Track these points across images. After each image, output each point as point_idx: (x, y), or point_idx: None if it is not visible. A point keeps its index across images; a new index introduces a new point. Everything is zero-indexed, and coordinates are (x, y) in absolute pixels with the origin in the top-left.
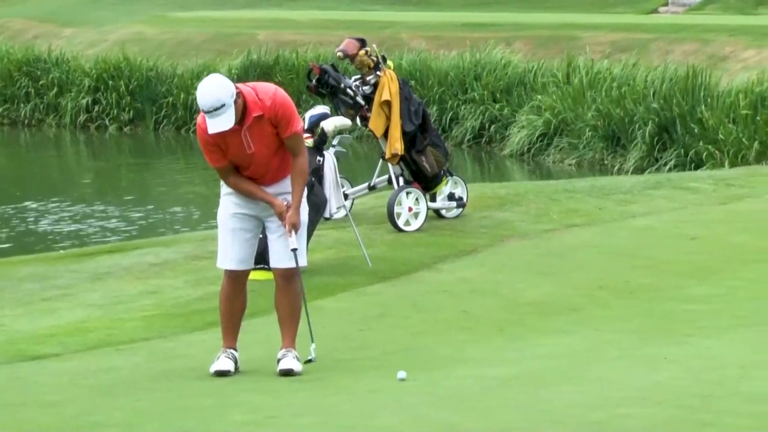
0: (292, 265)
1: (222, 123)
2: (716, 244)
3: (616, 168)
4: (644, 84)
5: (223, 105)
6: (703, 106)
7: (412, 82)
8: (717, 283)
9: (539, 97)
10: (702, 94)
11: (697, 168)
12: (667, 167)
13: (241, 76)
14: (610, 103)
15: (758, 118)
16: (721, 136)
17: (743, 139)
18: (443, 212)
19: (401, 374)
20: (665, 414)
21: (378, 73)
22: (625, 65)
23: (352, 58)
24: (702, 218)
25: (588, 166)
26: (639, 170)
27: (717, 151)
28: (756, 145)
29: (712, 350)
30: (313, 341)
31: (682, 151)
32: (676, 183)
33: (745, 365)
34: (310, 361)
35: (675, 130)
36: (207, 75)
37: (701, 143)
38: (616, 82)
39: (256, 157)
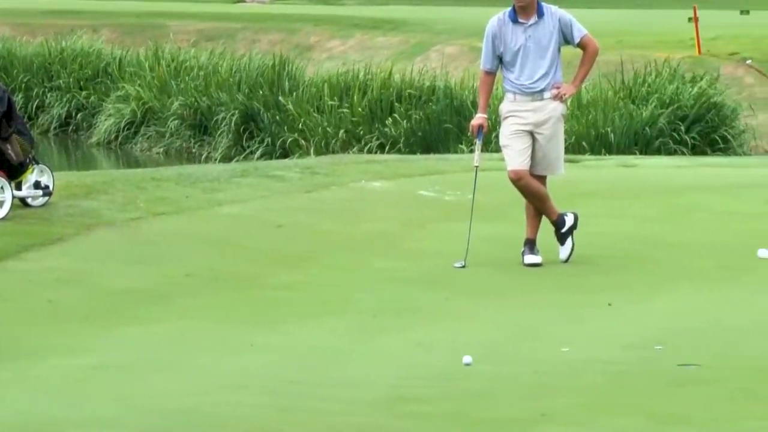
0: None
1: None
2: (302, 232)
3: (204, 156)
4: (230, 73)
5: None
6: (288, 96)
7: None
8: (303, 271)
9: (125, 85)
10: (287, 83)
11: (284, 157)
12: (255, 156)
13: None
14: (196, 92)
15: (343, 107)
16: (306, 125)
17: (328, 129)
18: (29, 201)
19: (467, 359)
20: (254, 400)
21: None
22: (212, 54)
23: None
24: (288, 206)
25: (176, 155)
26: (227, 159)
27: (303, 140)
28: (341, 134)
29: (297, 337)
30: None
31: (269, 140)
32: (262, 171)
33: (329, 351)
34: None
35: (261, 120)
36: None
37: (287, 132)
38: (203, 71)
39: None
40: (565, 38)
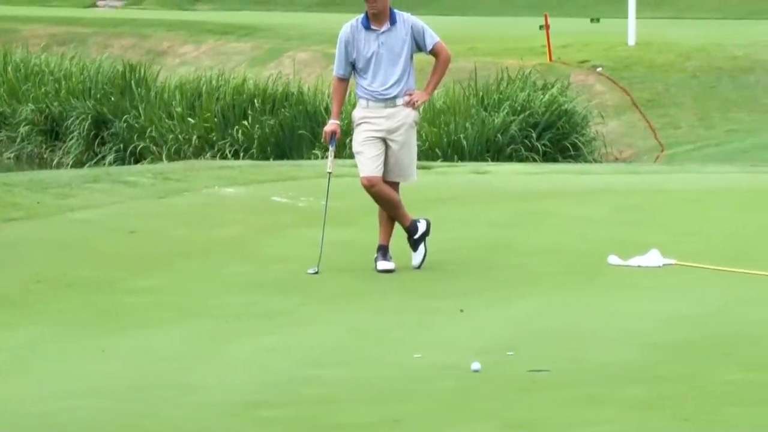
0: None
1: None
2: (155, 238)
3: (55, 162)
4: (81, 78)
5: None
6: (140, 102)
7: None
8: (155, 277)
9: None
10: (139, 89)
11: (137, 163)
12: (107, 162)
13: None
14: (47, 97)
15: (195, 113)
16: (158, 131)
17: (179, 135)
18: None
19: (475, 365)
20: (104, 405)
21: None
22: (63, 59)
23: None
24: (141, 212)
25: (27, 160)
26: (79, 164)
27: (155, 146)
28: (194, 140)
29: (149, 342)
30: None
31: (122, 145)
32: (115, 177)
33: (181, 357)
34: None
35: (113, 125)
36: None
37: (139, 138)
38: (53, 76)
39: None
40: (418, 45)
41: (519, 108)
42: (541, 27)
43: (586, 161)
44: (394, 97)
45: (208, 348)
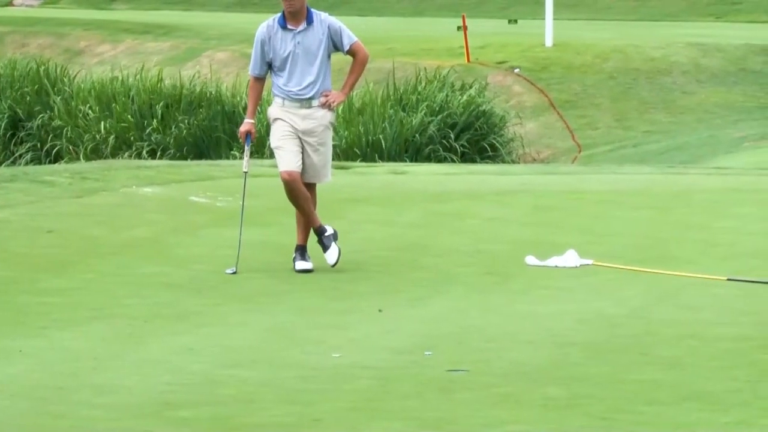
0: None
1: None
2: (72, 238)
3: None
4: None
5: None
6: (57, 101)
7: None
8: (72, 276)
9: None
10: (56, 88)
11: (54, 162)
12: (23, 161)
13: None
14: None
15: (111, 113)
16: (75, 130)
17: (96, 135)
18: None
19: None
20: (20, 406)
21: None
22: None
23: None
24: (58, 211)
25: None
26: None
27: (72, 146)
28: (111, 139)
29: (66, 342)
30: None
31: (38, 144)
32: (32, 176)
33: (98, 357)
34: None
35: (30, 125)
36: None
37: (55, 138)
38: None
39: None
40: (335, 45)
41: (437, 108)
42: (459, 28)
43: (504, 162)
44: (310, 98)
45: (125, 348)
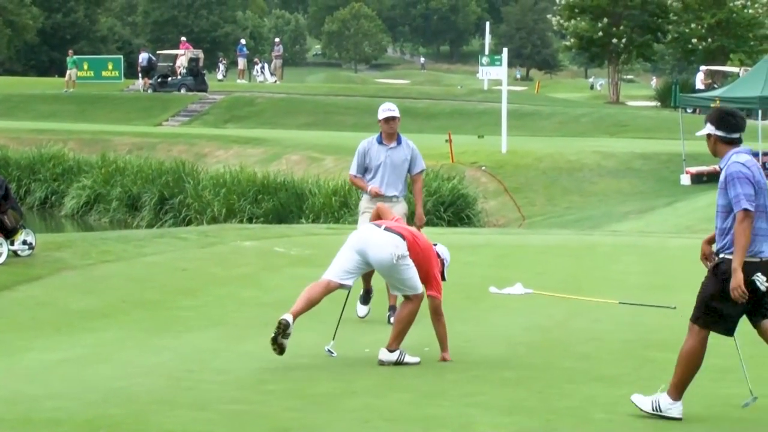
0: None
1: None
2: (198, 273)
3: (135, 224)
4: (151, 171)
5: None
6: (190, 185)
7: None
8: (199, 298)
9: (83, 178)
10: (190, 177)
11: (187, 225)
12: (167, 224)
13: None
14: (131, 183)
15: (224, 194)
16: (201, 205)
17: (214, 208)
18: (19, 253)
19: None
20: (162, 382)
21: None
22: (140, 159)
23: None
24: (190, 256)
25: (116, 223)
26: (150, 226)
27: (198, 215)
28: (224, 211)
29: (194, 341)
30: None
31: (178, 213)
32: (173, 234)
33: (214, 350)
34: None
35: (172, 201)
36: None
37: (188, 210)
38: (134, 169)
39: None
40: (410, 164)
41: (432, 192)
42: (446, 140)
43: (475, 226)
44: (391, 197)
45: (231, 345)
